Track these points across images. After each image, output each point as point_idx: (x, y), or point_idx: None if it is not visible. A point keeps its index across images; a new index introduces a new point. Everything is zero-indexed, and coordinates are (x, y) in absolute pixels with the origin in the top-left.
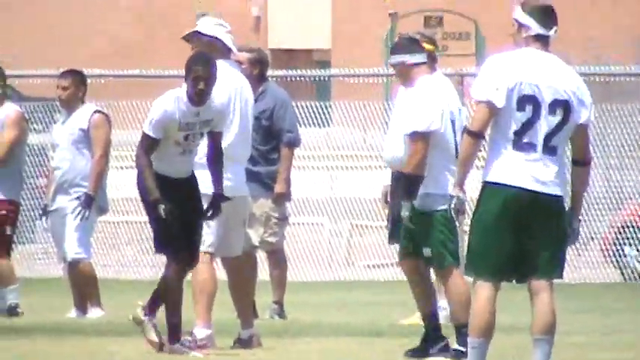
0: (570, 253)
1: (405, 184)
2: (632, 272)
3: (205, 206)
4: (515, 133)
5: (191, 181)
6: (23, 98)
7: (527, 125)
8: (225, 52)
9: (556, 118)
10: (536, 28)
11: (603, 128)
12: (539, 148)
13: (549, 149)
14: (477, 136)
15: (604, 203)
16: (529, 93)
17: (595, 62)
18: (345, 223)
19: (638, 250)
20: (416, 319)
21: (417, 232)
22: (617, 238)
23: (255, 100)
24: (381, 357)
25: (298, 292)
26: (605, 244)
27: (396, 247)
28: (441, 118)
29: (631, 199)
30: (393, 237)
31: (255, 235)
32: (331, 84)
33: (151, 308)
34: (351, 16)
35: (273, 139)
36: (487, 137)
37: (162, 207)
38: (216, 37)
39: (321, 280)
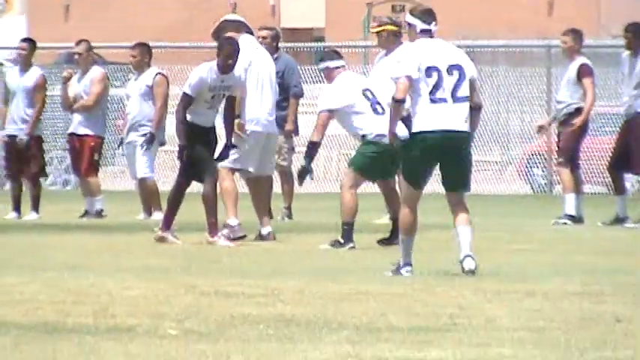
0: (494, 173)
1: None
2: (539, 187)
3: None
4: (430, 93)
5: (213, 129)
6: (107, 63)
7: (436, 86)
8: (248, 30)
9: (454, 77)
10: (420, 25)
11: (518, 85)
12: (449, 99)
13: (457, 99)
14: (401, 101)
15: (519, 138)
16: (431, 65)
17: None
18: (335, 152)
19: (542, 171)
20: (385, 220)
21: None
22: (528, 163)
23: None
24: (360, 242)
25: (301, 200)
26: (519, 167)
27: None
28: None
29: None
30: None
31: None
32: None
33: (166, 224)
34: (340, 4)
35: (283, 92)
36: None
37: (184, 151)
38: (240, 20)
39: (318, 192)
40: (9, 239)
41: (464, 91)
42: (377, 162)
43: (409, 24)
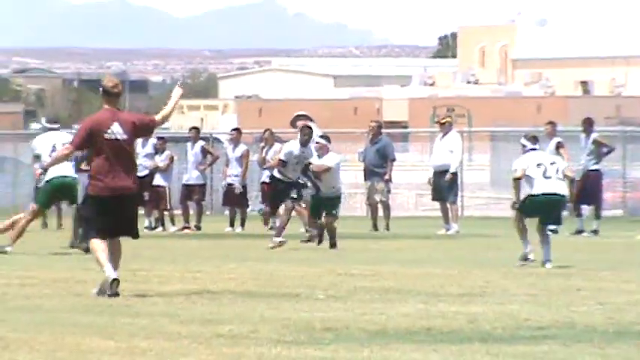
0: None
1: None
2: None
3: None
4: (542, 174)
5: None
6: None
7: (544, 172)
8: (311, 119)
9: (554, 167)
10: (529, 145)
11: None
12: (553, 177)
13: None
14: (519, 179)
15: None
16: (539, 162)
17: None
18: None
19: None
20: None
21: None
22: None
23: None
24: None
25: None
26: None
27: None
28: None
29: None
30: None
31: None
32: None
33: (278, 232)
34: (417, 107)
35: (383, 159)
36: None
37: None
38: (307, 114)
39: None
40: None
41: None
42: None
43: (522, 144)
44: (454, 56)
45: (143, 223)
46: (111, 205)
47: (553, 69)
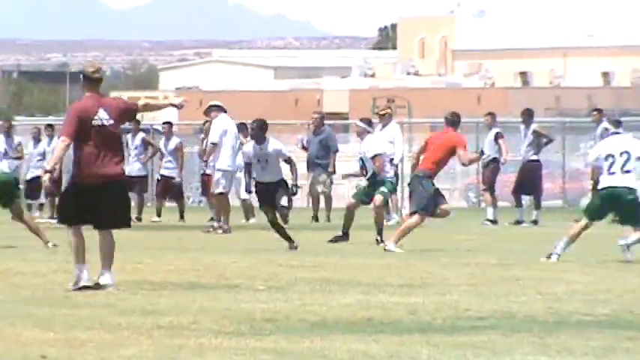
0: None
1: None
2: (472, 203)
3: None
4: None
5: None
6: None
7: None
8: (224, 110)
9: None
10: (613, 129)
11: None
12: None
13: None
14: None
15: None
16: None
17: None
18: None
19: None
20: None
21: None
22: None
23: None
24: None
25: None
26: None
27: None
28: None
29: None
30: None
31: None
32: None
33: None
34: (357, 98)
35: (325, 149)
36: None
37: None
38: (220, 105)
39: None
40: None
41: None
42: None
43: (606, 128)
44: (394, 47)
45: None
46: (97, 193)
47: (493, 60)
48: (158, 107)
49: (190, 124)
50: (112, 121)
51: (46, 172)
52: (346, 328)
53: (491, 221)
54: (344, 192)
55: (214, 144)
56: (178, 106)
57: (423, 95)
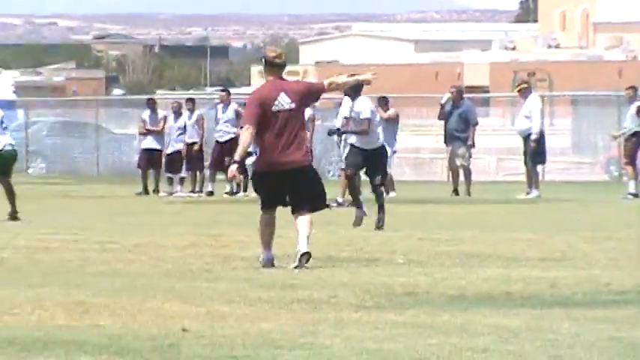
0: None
1: None
2: (613, 177)
3: None
4: None
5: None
6: None
7: None
8: None
9: None
10: None
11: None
12: None
13: None
14: None
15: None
16: None
17: None
18: None
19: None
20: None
21: None
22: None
23: None
24: None
25: None
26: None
27: None
28: None
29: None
30: None
31: None
32: None
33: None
34: (498, 71)
35: (465, 123)
36: None
37: None
38: None
39: None
40: None
41: None
42: None
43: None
44: (535, 20)
45: (224, 188)
46: (285, 180)
47: (635, 33)
48: (345, 84)
49: (332, 99)
50: (293, 105)
51: (234, 162)
52: (486, 302)
53: (633, 195)
54: (484, 165)
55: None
56: (367, 82)
57: (563, 68)
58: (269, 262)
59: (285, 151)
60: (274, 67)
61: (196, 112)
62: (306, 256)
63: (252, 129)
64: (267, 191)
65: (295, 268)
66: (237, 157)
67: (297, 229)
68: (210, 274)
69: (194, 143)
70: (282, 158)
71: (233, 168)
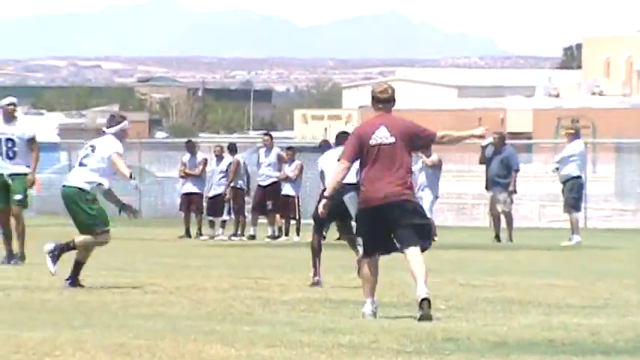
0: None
1: None
2: None
3: None
4: None
5: None
6: None
7: None
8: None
9: None
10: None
11: None
12: None
13: None
14: None
15: None
16: None
17: None
18: None
19: None
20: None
21: None
22: None
23: None
24: None
25: None
26: None
27: None
28: None
29: None
30: None
31: None
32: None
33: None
34: (542, 118)
35: (507, 169)
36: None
37: None
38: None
39: None
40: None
41: None
42: None
43: None
44: (579, 67)
45: (266, 232)
46: (386, 215)
47: None
48: (458, 139)
49: None
50: (392, 140)
51: (324, 197)
52: (527, 348)
53: None
54: (526, 212)
55: None
56: (480, 136)
57: (607, 115)
58: (371, 314)
59: (383, 186)
60: (379, 102)
61: (226, 159)
62: (427, 302)
63: (347, 163)
64: (369, 232)
65: (420, 319)
66: (327, 193)
67: (411, 272)
68: (251, 317)
69: (239, 188)
70: (380, 193)
71: (323, 203)
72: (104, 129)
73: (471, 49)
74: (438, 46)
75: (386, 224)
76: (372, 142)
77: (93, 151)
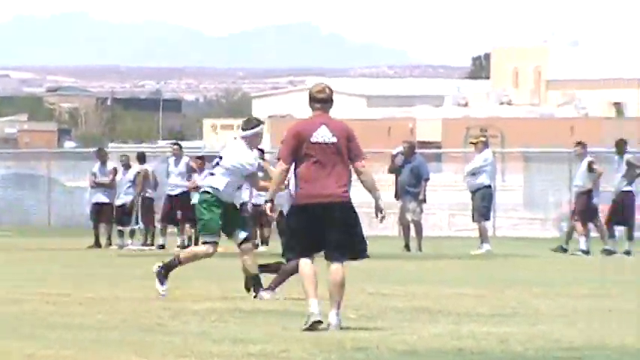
0: None
1: None
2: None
3: None
4: None
5: None
6: None
7: None
8: None
9: None
10: None
11: None
12: None
13: None
14: None
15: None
16: None
17: None
18: None
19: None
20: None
21: None
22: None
23: None
24: None
25: None
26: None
27: None
28: None
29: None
30: None
31: None
32: None
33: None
34: (451, 127)
35: (417, 178)
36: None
37: None
38: None
39: None
40: None
41: None
42: None
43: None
44: (487, 77)
45: (176, 241)
46: (321, 218)
47: (586, 90)
48: (368, 189)
49: None
50: (334, 140)
51: (266, 201)
52: (436, 357)
53: (583, 251)
54: (435, 221)
55: None
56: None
57: (516, 125)
58: (317, 316)
59: (321, 184)
60: (316, 101)
61: (134, 168)
62: (319, 323)
63: (285, 166)
64: (302, 232)
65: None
66: (267, 196)
67: (330, 283)
68: (162, 328)
69: (148, 198)
70: (317, 191)
71: (267, 206)
72: (239, 132)
73: (381, 59)
74: (348, 57)
75: (323, 223)
76: (314, 139)
77: (221, 158)
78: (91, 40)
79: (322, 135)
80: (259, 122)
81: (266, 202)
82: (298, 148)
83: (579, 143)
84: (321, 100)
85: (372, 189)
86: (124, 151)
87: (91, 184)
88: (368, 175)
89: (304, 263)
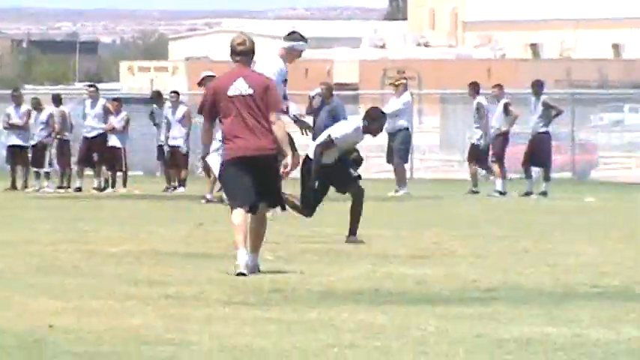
0: None
1: None
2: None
3: None
4: None
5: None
6: None
7: None
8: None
9: None
10: None
11: None
12: None
13: None
14: None
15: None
16: None
17: None
18: None
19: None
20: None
21: None
22: None
23: None
24: None
25: None
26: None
27: None
28: None
29: None
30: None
31: None
32: None
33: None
34: (368, 68)
35: (334, 120)
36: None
37: None
38: (214, 75)
39: None
40: None
41: None
42: None
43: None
44: (404, 18)
45: (92, 183)
46: (248, 168)
47: (503, 31)
48: (281, 141)
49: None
50: (251, 91)
51: (202, 158)
52: (354, 298)
53: (500, 192)
54: None
55: None
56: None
57: (433, 67)
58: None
59: (247, 136)
60: (236, 54)
61: (47, 110)
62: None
63: (207, 124)
64: (236, 181)
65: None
66: (203, 153)
67: (251, 229)
68: (78, 270)
69: (65, 140)
70: (244, 143)
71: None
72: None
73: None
74: None
75: (253, 175)
76: (230, 92)
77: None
78: None
79: (239, 87)
80: (302, 38)
81: (202, 158)
82: (217, 104)
83: (497, 85)
84: (241, 53)
85: (282, 143)
86: (39, 94)
87: (4, 125)
88: (279, 130)
89: (237, 213)
